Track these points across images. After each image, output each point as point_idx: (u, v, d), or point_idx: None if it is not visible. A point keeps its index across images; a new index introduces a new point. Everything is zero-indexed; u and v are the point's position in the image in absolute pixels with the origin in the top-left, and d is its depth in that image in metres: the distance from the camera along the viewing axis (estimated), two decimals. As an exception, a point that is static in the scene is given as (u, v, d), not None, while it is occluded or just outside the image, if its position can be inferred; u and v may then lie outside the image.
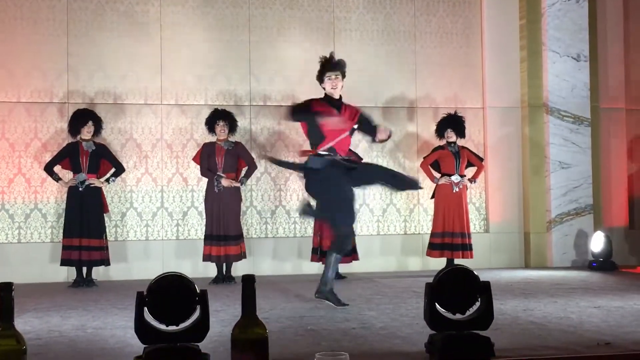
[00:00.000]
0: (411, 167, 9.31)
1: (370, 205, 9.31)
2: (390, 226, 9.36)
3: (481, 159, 8.80)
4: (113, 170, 8.06)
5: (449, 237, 8.47)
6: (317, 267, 8.57)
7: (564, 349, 4.12)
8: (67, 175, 8.08)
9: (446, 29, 9.66)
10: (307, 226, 8.97)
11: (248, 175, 8.25)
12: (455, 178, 8.50)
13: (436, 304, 3.73)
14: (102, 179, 7.99)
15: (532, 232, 9.48)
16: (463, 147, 8.68)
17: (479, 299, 3.78)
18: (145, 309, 3.46)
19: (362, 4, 9.47)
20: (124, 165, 8.31)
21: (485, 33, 9.69)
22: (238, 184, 8.12)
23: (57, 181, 7.98)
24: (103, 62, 8.80)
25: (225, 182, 8.02)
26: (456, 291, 3.72)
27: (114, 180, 8.08)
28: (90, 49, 8.77)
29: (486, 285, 3.77)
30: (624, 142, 10.06)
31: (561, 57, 9.51)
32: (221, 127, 8.14)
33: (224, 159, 8.10)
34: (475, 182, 8.74)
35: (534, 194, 9.50)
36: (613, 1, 10.06)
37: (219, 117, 8.18)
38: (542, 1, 9.56)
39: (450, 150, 8.57)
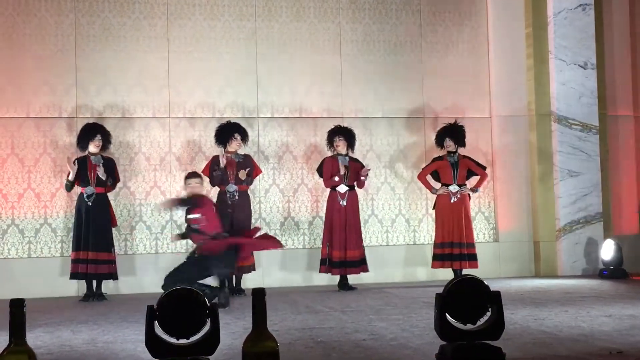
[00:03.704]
0: (419, 177, 9.28)
1: (379, 215, 9.30)
2: (400, 236, 9.35)
3: (484, 168, 8.75)
4: (111, 180, 7.98)
5: (448, 248, 8.43)
6: (326, 278, 8.57)
7: (575, 359, 4.10)
8: (76, 190, 8.08)
9: (452, 38, 9.67)
10: (317, 237, 8.97)
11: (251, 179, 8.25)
12: (453, 188, 8.48)
13: (447, 314, 3.73)
14: (102, 176, 7.86)
15: (542, 241, 9.45)
16: (464, 157, 8.64)
17: (490, 309, 3.77)
18: (156, 322, 3.47)
19: (368, 15, 9.50)
20: (132, 181, 8.33)
21: (492, 42, 9.70)
22: (246, 174, 8.09)
23: (70, 182, 7.88)
24: (111, 76, 8.84)
25: (240, 174, 8.02)
26: (466, 301, 3.72)
27: (109, 181, 7.97)
28: (98, 64, 8.82)
29: (496, 295, 3.77)
30: (632, 148, 10.04)
31: (568, 65, 9.50)
32: (238, 141, 8.17)
33: (235, 171, 8.12)
34: (477, 191, 8.71)
35: (542, 203, 9.47)
36: (619, 8, 10.06)
37: (236, 130, 8.20)
38: (548, 9, 9.55)
39: (449, 160, 8.54)
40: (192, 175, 7.47)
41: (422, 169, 8.79)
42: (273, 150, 9.12)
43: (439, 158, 8.64)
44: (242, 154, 8.30)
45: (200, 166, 8.60)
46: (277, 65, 9.21)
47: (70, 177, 7.86)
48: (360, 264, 8.31)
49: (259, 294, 3.33)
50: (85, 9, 8.84)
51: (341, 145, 8.38)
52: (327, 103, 9.30)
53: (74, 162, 7.89)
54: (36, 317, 6.18)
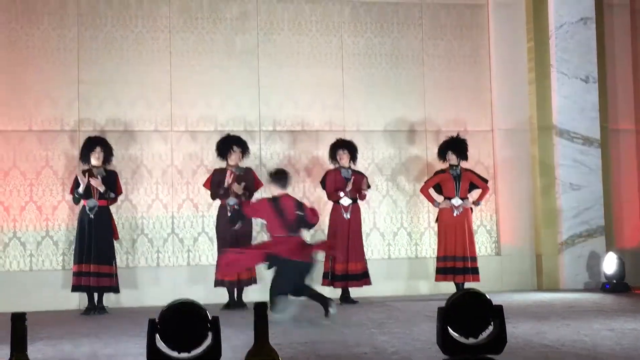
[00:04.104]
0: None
1: (381, 229, 9.29)
2: (402, 249, 9.34)
3: (486, 181, 8.75)
4: (109, 192, 7.97)
5: (450, 261, 8.43)
6: (328, 291, 8.54)
7: (578, 373, 4.09)
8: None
9: (454, 52, 9.69)
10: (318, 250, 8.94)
11: (251, 193, 8.22)
12: (455, 201, 8.47)
13: (449, 328, 3.72)
14: (100, 188, 7.86)
15: (544, 254, 9.43)
16: (466, 170, 8.65)
17: (492, 323, 3.76)
18: (157, 335, 3.46)
19: (370, 28, 9.52)
20: (134, 194, 8.35)
21: (493, 56, 9.72)
22: (242, 188, 8.04)
23: (80, 194, 7.85)
24: (113, 89, 8.86)
25: (235, 188, 7.98)
26: (469, 315, 3.71)
27: (109, 195, 7.96)
28: (101, 77, 8.84)
29: (499, 308, 3.76)
30: (634, 162, 10.03)
31: (569, 78, 9.51)
32: (237, 154, 8.17)
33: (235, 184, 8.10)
34: (479, 204, 8.72)
35: (544, 216, 9.46)
36: (620, 22, 10.08)
37: (234, 143, 8.21)
38: (550, 23, 9.58)
39: (451, 173, 8.55)
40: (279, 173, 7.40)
41: (425, 182, 8.80)
42: (275, 164, 9.11)
43: (441, 171, 8.65)
44: (244, 167, 8.30)
45: (202, 179, 8.60)
46: (279, 79, 9.23)
47: (81, 190, 7.84)
48: (363, 277, 8.31)
49: (260, 308, 3.33)
50: (88, 22, 8.87)
51: (345, 158, 8.42)
52: (329, 116, 9.31)
53: (84, 174, 7.87)
54: (37, 330, 6.17)
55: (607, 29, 10.00)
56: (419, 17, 9.63)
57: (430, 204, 8.80)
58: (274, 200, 7.06)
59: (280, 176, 7.21)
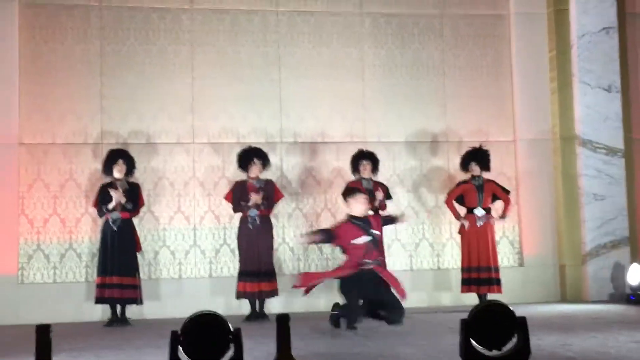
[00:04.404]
0: (442, 202, 9.20)
1: (402, 240, 9.26)
2: (423, 261, 9.30)
3: (508, 192, 8.70)
4: (132, 204, 8.02)
5: (475, 272, 8.39)
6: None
7: (604, 385, 4.05)
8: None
9: (475, 62, 9.67)
10: (340, 262, 8.92)
11: (270, 203, 8.25)
12: (478, 212, 8.44)
13: (472, 340, 3.70)
14: (121, 199, 7.92)
15: (568, 265, 9.35)
16: (489, 181, 8.61)
17: (516, 335, 3.74)
18: (180, 347, 3.47)
19: (390, 39, 9.53)
20: (156, 206, 8.47)
21: (515, 66, 9.68)
22: (261, 198, 8.08)
23: (108, 210, 7.92)
24: (136, 102, 8.92)
25: (254, 198, 8.00)
26: (492, 327, 3.69)
27: (128, 207, 8.01)
28: (123, 90, 8.91)
29: (522, 320, 3.73)
30: (658, 172, 9.93)
31: (592, 88, 9.45)
32: (258, 166, 8.20)
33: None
34: (505, 217, 8.66)
35: (568, 227, 9.39)
36: (643, 31, 10.02)
37: (255, 155, 8.24)
38: (572, 33, 9.53)
39: (474, 184, 8.52)
40: (356, 191, 7.48)
41: (448, 193, 8.76)
42: (296, 175, 9.14)
43: (464, 182, 8.63)
44: (264, 179, 8.32)
45: (223, 191, 8.63)
46: (300, 90, 9.26)
47: (111, 206, 7.88)
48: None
49: (283, 320, 3.33)
50: (111, 37, 8.96)
51: (367, 169, 8.43)
52: (349, 127, 9.32)
53: (107, 187, 7.93)
54: (60, 343, 6.18)
55: (630, 38, 9.93)
56: (439, 27, 9.63)
57: (452, 215, 8.75)
58: None
59: None
